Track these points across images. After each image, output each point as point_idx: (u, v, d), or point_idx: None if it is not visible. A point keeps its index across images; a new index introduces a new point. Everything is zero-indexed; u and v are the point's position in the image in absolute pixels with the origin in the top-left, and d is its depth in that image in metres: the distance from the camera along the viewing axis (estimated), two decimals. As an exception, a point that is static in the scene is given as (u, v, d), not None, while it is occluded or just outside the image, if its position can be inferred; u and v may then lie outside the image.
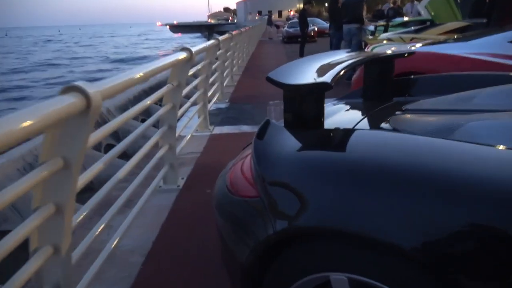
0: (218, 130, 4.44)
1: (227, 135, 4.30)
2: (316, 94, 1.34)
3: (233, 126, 4.56)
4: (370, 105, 1.97)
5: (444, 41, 3.86)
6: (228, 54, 6.45)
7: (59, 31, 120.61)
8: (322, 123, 1.40)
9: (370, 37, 7.26)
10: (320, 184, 1.01)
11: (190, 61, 2.65)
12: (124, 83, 1.49)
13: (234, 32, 6.24)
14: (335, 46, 7.73)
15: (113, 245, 2.01)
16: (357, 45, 6.59)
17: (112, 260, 2.06)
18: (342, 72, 1.43)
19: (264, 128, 1.38)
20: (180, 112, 3.13)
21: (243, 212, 1.23)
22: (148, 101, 2.22)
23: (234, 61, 7.94)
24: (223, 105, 5.66)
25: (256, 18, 18.15)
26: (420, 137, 1.11)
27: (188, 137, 3.54)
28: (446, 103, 1.64)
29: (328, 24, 19.49)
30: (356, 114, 1.87)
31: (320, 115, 1.40)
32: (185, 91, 3.29)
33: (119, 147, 2.03)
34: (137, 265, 2.01)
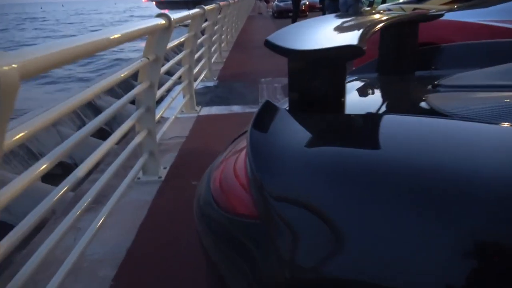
0: (205, 111, 4.03)
1: (215, 116, 3.90)
2: (340, 62, 0.96)
3: (222, 107, 4.15)
4: (391, 81, 1.59)
5: (458, 8, 3.46)
6: (216, 27, 5.96)
7: (41, 8, 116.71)
8: (343, 106, 1.02)
9: (367, 8, 6.81)
10: (356, 209, 0.64)
11: (168, 30, 2.22)
12: (50, 56, 1.00)
13: (221, 3, 5.74)
14: (330, 18, 7.25)
15: (79, 253, 1.64)
16: (354, 17, 6.14)
17: (77, 273, 1.69)
18: (368, 34, 1.05)
19: (263, 113, 1.00)
20: (160, 91, 2.72)
21: (235, 237, 0.86)
22: (116, 78, 1.80)
23: (223, 36, 7.44)
24: (211, 83, 5.22)
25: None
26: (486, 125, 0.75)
27: (172, 119, 3.13)
28: (492, 77, 1.26)
29: (319, -1, 19.04)
30: (378, 94, 1.49)
31: (341, 93, 1.02)
32: (166, 67, 2.87)
33: (80, 133, 1.62)
34: (106, 280, 1.65)
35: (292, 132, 0.92)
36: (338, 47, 0.90)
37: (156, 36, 2.20)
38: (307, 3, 17.44)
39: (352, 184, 0.68)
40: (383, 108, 1.17)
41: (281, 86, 4.93)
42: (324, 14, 7.86)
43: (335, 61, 0.94)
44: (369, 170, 0.69)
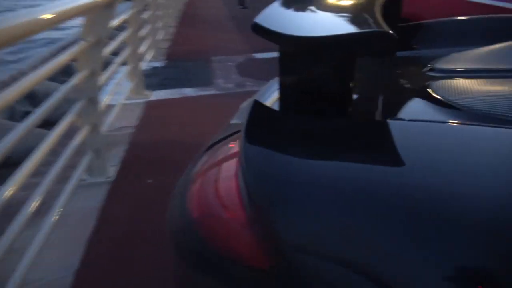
0: (156, 95, 3.68)
1: (167, 101, 3.56)
2: (356, 54, 0.75)
3: (173, 90, 3.82)
4: (379, 64, 1.40)
5: None
6: (160, 0, 5.49)
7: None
8: (348, 109, 0.83)
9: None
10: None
11: (111, 7, 1.88)
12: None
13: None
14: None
15: (18, 284, 1.37)
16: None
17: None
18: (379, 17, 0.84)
19: (255, 120, 0.78)
20: (104, 77, 2.37)
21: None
22: (39, 76, 1.46)
23: (170, 11, 6.93)
24: (158, 64, 4.82)
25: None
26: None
27: (118, 106, 2.78)
28: (494, 59, 1.11)
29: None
30: (375, 82, 1.29)
31: (348, 94, 0.82)
32: (108, 49, 2.50)
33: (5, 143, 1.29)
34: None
35: (306, 146, 0.70)
36: (363, 33, 0.68)
37: (96, 15, 1.85)
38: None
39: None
40: (390, 107, 0.98)
41: (235, 64, 4.66)
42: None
43: (351, 53, 0.73)
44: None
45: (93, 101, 2.04)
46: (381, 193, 0.56)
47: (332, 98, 0.81)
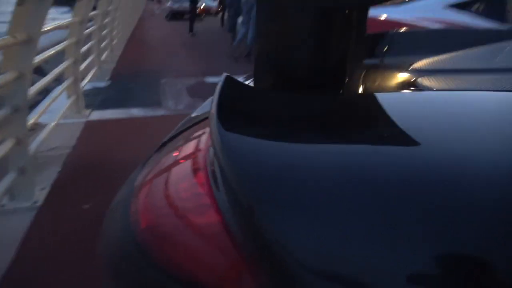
0: (97, 115, 3.34)
1: (111, 121, 3.23)
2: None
3: (118, 110, 3.49)
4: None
5: (383, 5, 3.44)
6: (107, 20, 5.20)
7: None
8: (343, 83, 0.68)
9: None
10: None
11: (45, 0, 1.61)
12: None
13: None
14: (231, 17, 6.95)
15: None
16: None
17: None
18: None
19: (230, 102, 0.59)
20: (36, 87, 2.05)
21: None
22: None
23: (114, 32, 6.62)
24: (102, 84, 4.47)
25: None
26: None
27: (52, 125, 2.43)
28: (466, 61, 1.03)
29: (215, 3, 18.73)
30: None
31: (343, 65, 0.67)
32: (43, 56, 2.19)
33: None
34: None
35: (298, 128, 0.52)
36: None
37: (28, 6, 1.57)
38: (203, 5, 17.04)
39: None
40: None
41: (185, 86, 4.44)
42: (228, 11, 7.51)
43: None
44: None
45: (19, 110, 1.71)
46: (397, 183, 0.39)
47: (323, 67, 0.64)
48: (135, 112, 3.47)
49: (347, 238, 0.35)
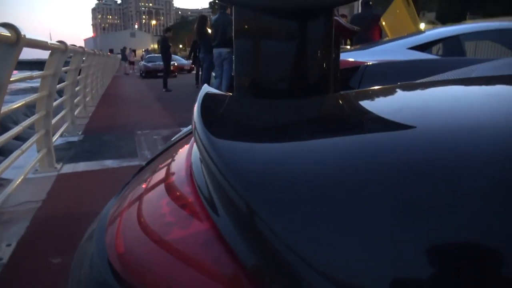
0: (69, 168, 3.22)
1: (84, 174, 3.12)
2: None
3: (92, 162, 3.39)
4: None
5: (349, 50, 3.59)
6: (80, 77, 5.21)
7: None
8: (330, 86, 0.66)
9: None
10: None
11: (15, 47, 1.58)
12: None
13: (86, 50, 5.07)
14: (205, 70, 7.13)
15: None
16: (229, 70, 6.12)
17: None
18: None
19: (212, 110, 0.56)
20: (2, 139, 1.97)
21: None
22: None
23: (87, 89, 6.62)
24: (74, 138, 4.38)
25: (108, 55, 16.36)
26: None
27: (19, 180, 2.31)
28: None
29: (187, 61, 19.25)
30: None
31: (328, 67, 0.65)
32: (11, 106, 2.13)
33: None
34: None
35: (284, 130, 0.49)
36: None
37: (-6, 53, 1.54)
38: (176, 64, 17.48)
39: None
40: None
41: (161, 137, 4.40)
42: (201, 65, 7.72)
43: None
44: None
45: (-17, 160, 1.62)
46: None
47: (306, 71, 0.63)
48: (109, 163, 3.37)
49: (353, 239, 0.31)
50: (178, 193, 0.51)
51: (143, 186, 0.60)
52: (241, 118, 0.58)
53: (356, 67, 1.64)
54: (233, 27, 0.64)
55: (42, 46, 2.24)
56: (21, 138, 4.29)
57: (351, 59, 2.97)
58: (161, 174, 0.60)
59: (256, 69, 0.67)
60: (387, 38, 4.45)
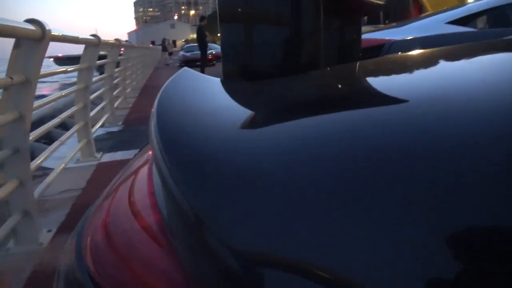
0: (108, 157, 3.36)
1: (122, 162, 3.23)
2: None
3: (129, 151, 3.52)
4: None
5: (383, 28, 3.44)
6: (118, 69, 5.38)
7: None
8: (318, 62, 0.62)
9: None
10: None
11: (41, 42, 1.65)
12: None
13: (123, 42, 5.22)
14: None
15: None
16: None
17: None
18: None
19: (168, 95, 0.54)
20: (39, 131, 2.07)
21: None
22: None
23: (127, 81, 6.84)
24: (115, 129, 4.55)
25: (150, 47, 16.95)
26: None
27: (59, 169, 2.44)
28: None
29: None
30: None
31: (316, 43, 0.61)
32: (49, 99, 2.24)
33: None
34: None
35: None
36: None
37: (25, 49, 1.61)
38: (214, 52, 17.62)
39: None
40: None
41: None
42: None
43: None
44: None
45: (19, 152, 1.72)
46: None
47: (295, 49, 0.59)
48: (146, 152, 3.48)
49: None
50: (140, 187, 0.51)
51: (120, 187, 0.59)
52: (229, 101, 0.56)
53: (380, 45, 1.56)
54: (217, 13, 0.61)
55: (71, 40, 2.32)
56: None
57: (378, 38, 2.84)
58: (133, 176, 0.60)
59: (245, 52, 0.64)
60: (425, 14, 4.21)
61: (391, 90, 0.43)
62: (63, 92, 2.59)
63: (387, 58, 0.62)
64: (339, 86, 0.52)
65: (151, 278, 0.38)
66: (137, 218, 0.46)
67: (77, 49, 3.35)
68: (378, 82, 0.48)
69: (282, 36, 0.63)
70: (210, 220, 0.29)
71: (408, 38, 2.64)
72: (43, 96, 5.31)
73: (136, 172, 0.57)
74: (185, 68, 0.58)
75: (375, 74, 0.52)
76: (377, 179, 0.28)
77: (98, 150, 3.43)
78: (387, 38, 2.76)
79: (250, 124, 0.44)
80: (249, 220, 0.28)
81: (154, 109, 0.45)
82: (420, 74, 0.50)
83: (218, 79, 0.64)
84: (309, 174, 0.30)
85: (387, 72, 0.52)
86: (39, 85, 1.81)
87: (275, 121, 0.43)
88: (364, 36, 3.00)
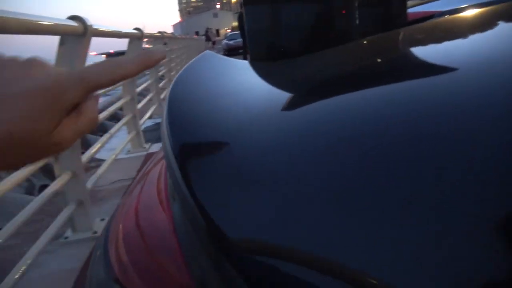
0: (157, 147, 3.46)
1: (168, 152, 3.32)
2: None
3: (175, 141, 3.60)
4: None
5: (430, 0, 3.23)
6: (163, 61, 5.50)
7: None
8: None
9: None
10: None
11: (84, 37, 1.69)
12: None
13: (167, 35, 5.32)
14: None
15: None
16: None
17: None
18: None
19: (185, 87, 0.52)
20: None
21: None
22: None
23: (172, 73, 6.98)
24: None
25: (194, 37, 17.26)
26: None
27: (110, 160, 2.53)
28: None
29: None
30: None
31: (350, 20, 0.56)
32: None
33: None
34: None
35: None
36: None
37: (68, 46, 1.66)
38: (256, 38, 17.59)
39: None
40: None
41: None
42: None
43: None
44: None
45: (72, 146, 1.79)
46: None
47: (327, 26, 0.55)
48: (192, 141, 3.54)
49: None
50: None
51: (136, 196, 0.57)
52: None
53: (429, 17, 1.45)
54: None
55: (112, 34, 2.38)
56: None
57: (425, 10, 2.65)
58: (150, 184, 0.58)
59: (272, 32, 0.60)
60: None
61: (435, 63, 0.38)
62: (111, 88, 2.67)
63: (426, 24, 0.55)
64: (374, 59, 0.46)
65: (173, 270, 0.36)
66: (160, 209, 0.45)
67: (124, 44, 3.43)
68: (415, 53, 0.42)
69: (310, 11, 0.59)
70: (217, 224, 0.26)
71: (462, 6, 2.43)
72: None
73: (161, 163, 0.55)
74: (207, 51, 0.56)
75: (413, 43, 0.47)
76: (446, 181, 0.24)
77: (147, 141, 3.54)
78: (436, 10, 2.57)
79: (277, 113, 0.40)
80: (257, 224, 0.25)
81: (166, 99, 0.43)
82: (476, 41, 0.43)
83: (245, 61, 0.61)
84: (341, 185, 0.26)
85: (424, 42, 0.46)
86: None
87: (304, 112, 0.39)
88: (410, 10, 2.83)
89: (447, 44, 0.43)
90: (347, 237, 0.22)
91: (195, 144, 0.36)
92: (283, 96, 0.43)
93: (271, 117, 0.38)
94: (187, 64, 0.51)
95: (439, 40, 0.48)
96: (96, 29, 1.74)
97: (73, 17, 1.63)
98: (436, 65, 0.36)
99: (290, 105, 0.40)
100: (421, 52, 0.43)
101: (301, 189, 0.27)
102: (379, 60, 0.46)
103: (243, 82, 0.51)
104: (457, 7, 2.60)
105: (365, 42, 0.55)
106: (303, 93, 0.43)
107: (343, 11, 0.58)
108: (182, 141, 0.36)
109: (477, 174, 0.22)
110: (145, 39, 3.57)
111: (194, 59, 0.53)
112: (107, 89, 2.59)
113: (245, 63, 0.59)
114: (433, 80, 0.33)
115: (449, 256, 0.19)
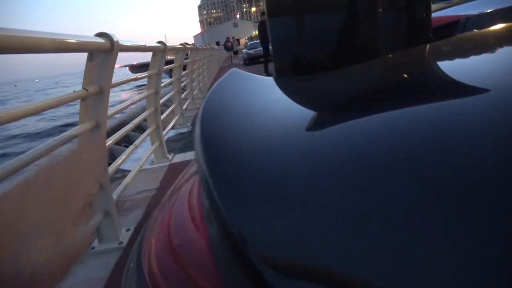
0: (179, 157, 3.50)
1: (190, 162, 3.36)
2: None
3: (198, 151, 3.63)
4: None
5: (456, 3, 3.19)
6: (185, 72, 5.59)
7: (15, 86, 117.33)
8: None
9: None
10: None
11: (111, 53, 1.75)
12: None
13: (189, 46, 5.41)
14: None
15: None
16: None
17: None
18: None
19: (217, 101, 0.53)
20: (115, 137, 2.21)
21: None
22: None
23: (194, 83, 7.08)
24: (185, 129, 4.74)
25: (215, 48, 17.57)
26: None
27: (135, 171, 2.58)
28: None
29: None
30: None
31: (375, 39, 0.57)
32: (121, 106, 2.38)
33: None
34: None
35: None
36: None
37: (97, 61, 1.72)
38: (277, 47, 17.63)
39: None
40: None
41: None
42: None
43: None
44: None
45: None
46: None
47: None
48: (214, 151, 3.57)
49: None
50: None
51: (168, 211, 0.58)
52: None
53: (454, 22, 1.43)
54: (265, 8, 0.59)
55: (138, 49, 2.44)
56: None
57: (451, 14, 2.61)
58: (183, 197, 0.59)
59: (298, 45, 0.61)
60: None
61: (462, 80, 0.37)
62: (135, 98, 2.74)
63: (458, 38, 0.55)
64: (398, 77, 0.47)
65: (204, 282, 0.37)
66: (193, 223, 0.46)
67: (147, 56, 3.50)
68: (443, 71, 0.42)
69: (335, 22, 0.59)
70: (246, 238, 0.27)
71: (488, 11, 2.39)
72: (123, 100, 5.69)
73: (192, 179, 0.57)
74: (234, 69, 0.57)
75: (439, 59, 0.46)
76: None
77: (169, 151, 3.60)
78: (462, 14, 2.53)
79: (305, 132, 0.41)
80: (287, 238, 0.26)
81: (198, 118, 0.44)
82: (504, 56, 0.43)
83: (270, 78, 0.61)
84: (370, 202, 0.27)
85: (454, 56, 0.46)
86: (119, 91, 1.93)
87: (331, 132, 0.39)
88: (434, 15, 2.79)
89: (475, 61, 0.43)
90: (373, 256, 0.23)
91: (229, 164, 0.37)
92: (310, 114, 0.44)
93: (300, 137, 0.39)
94: (216, 83, 0.53)
95: (467, 55, 0.48)
96: (122, 45, 1.79)
97: (100, 34, 1.69)
98: (468, 86, 0.36)
99: (319, 125, 0.40)
100: (449, 69, 0.43)
101: (333, 212, 0.27)
102: (407, 77, 0.46)
103: (269, 100, 0.52)
104: (481, 12, 2.55)
105: (392, 58, 0.55)
106: (329, 112, 0.43)
107: (368, 22, 0.59)
108: (218, 162, 0.37)
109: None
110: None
111: (222, 77, 0.55)
112: (127, 104, 2.65)
113: (270, 80, 0.60)
114: (465, 102, 0.33)
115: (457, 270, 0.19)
